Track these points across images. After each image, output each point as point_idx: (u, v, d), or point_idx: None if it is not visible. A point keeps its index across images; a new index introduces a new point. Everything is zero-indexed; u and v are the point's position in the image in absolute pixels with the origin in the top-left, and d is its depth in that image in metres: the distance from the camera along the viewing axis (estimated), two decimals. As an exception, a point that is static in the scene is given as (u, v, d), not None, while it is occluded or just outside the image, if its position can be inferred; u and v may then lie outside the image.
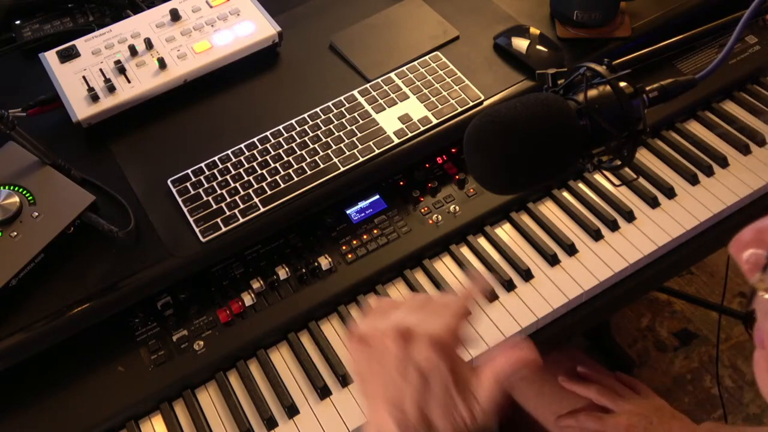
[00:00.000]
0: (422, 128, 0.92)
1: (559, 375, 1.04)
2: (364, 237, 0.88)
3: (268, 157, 0.90)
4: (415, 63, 0.99)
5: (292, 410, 0.78)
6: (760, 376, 0.42)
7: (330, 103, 0.95)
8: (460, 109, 0.93)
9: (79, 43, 0.99)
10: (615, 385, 1.02)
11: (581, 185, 0.96)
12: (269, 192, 0.86)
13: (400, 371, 0.49)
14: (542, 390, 1.05)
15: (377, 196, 0.92)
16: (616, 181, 0.92)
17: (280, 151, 0.90)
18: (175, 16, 1.01)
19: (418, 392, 0.49)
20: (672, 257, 0.90)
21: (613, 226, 0.90)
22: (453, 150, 0.96)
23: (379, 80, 0.97)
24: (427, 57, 0.99)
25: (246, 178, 0.88)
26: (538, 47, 0.98)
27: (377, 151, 0.90)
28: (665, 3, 1.04)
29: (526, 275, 0.86)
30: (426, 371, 0.49)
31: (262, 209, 0.85)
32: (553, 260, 0.87)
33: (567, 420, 1.00)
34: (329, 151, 0.90)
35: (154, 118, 0.96)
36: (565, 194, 0.95)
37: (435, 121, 0.92)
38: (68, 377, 0.79)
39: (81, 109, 0.92)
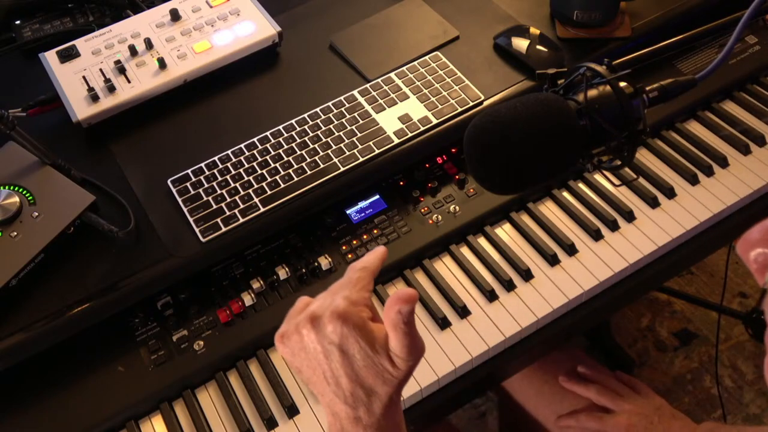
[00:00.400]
0: (422, 128, 0.92)
1: (559, 375, 1.04)
2: (364, 237, 0.88)
3: (268, 157, 0.90)
4: (415, 63, 0.99)
5: (292, 410, 0.78)
6: None
7: (330, 103, 0.95)
8: (460, 109, 0.93)
9: (79, 43, 0.99)
10: (615, 385, 1.02)
11: (581, 185, 0.95)
12: (269, 192, 0.86)
13: (322, 352, 0.53)
14: (542, 390, 1.05)
15: (377, 196, 0.92)
16: (616, 181, 0.92)
17: (280, 151, 0.90)
18: (175, 16, 1.01)
19: (343, 364, 0.53)
20: (672, 257, 0.90)
21: (613, 226, 0.90)
22: (453, 150, 0.96)
23: (379, 80, 0.97)
24: (427, 57, 0.99)
25: (246, 178, 0.88)
26: (538, 47, 0.98)
27: (377, 151, 0.90)
28: (665, 3, 1.04)
29: (526, 275, 0.86)
30: (340, 343, 0.53)
31: (262, 209, 0.85)
32: (553, 260, 0.87)
33: (567, 420, 1.01)
34: (329, 151, 0.90)
35: (154, 118, 0.96)
36: (565, 194, 0.95)
37: (435, 121, 0.92)
38: (68, 377, 0.79)
39: (81, 109, 0.92)
